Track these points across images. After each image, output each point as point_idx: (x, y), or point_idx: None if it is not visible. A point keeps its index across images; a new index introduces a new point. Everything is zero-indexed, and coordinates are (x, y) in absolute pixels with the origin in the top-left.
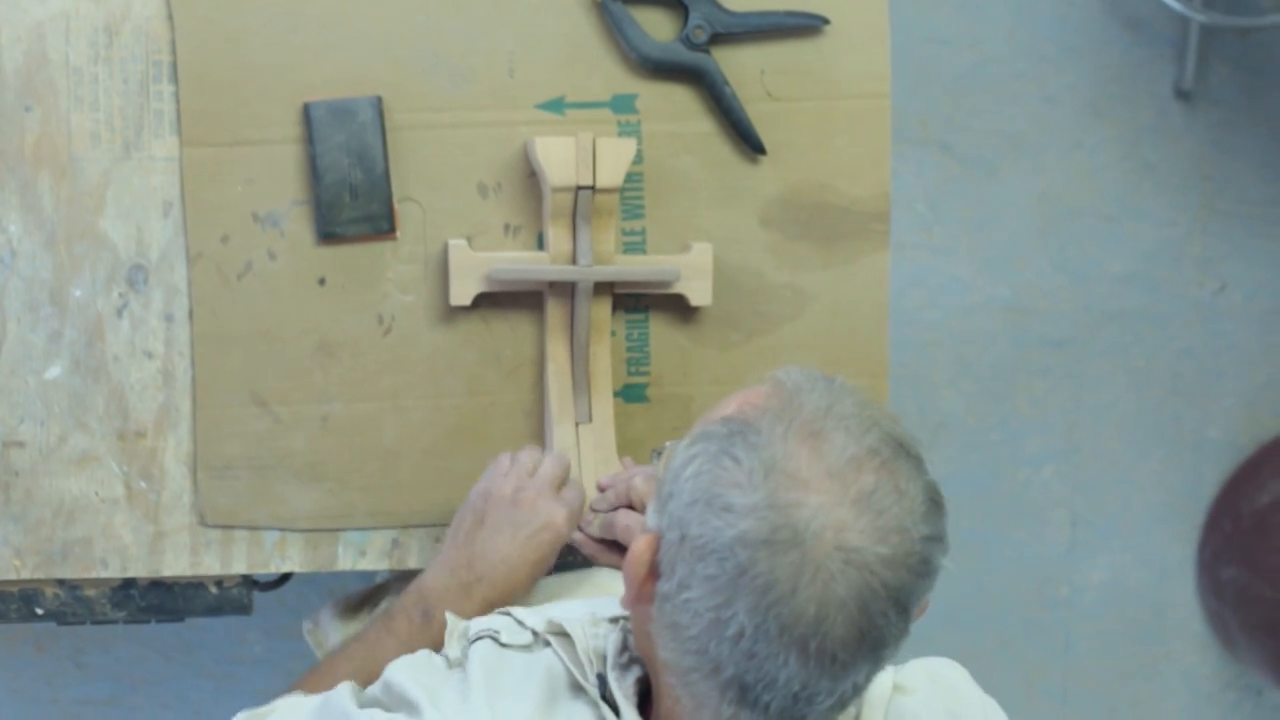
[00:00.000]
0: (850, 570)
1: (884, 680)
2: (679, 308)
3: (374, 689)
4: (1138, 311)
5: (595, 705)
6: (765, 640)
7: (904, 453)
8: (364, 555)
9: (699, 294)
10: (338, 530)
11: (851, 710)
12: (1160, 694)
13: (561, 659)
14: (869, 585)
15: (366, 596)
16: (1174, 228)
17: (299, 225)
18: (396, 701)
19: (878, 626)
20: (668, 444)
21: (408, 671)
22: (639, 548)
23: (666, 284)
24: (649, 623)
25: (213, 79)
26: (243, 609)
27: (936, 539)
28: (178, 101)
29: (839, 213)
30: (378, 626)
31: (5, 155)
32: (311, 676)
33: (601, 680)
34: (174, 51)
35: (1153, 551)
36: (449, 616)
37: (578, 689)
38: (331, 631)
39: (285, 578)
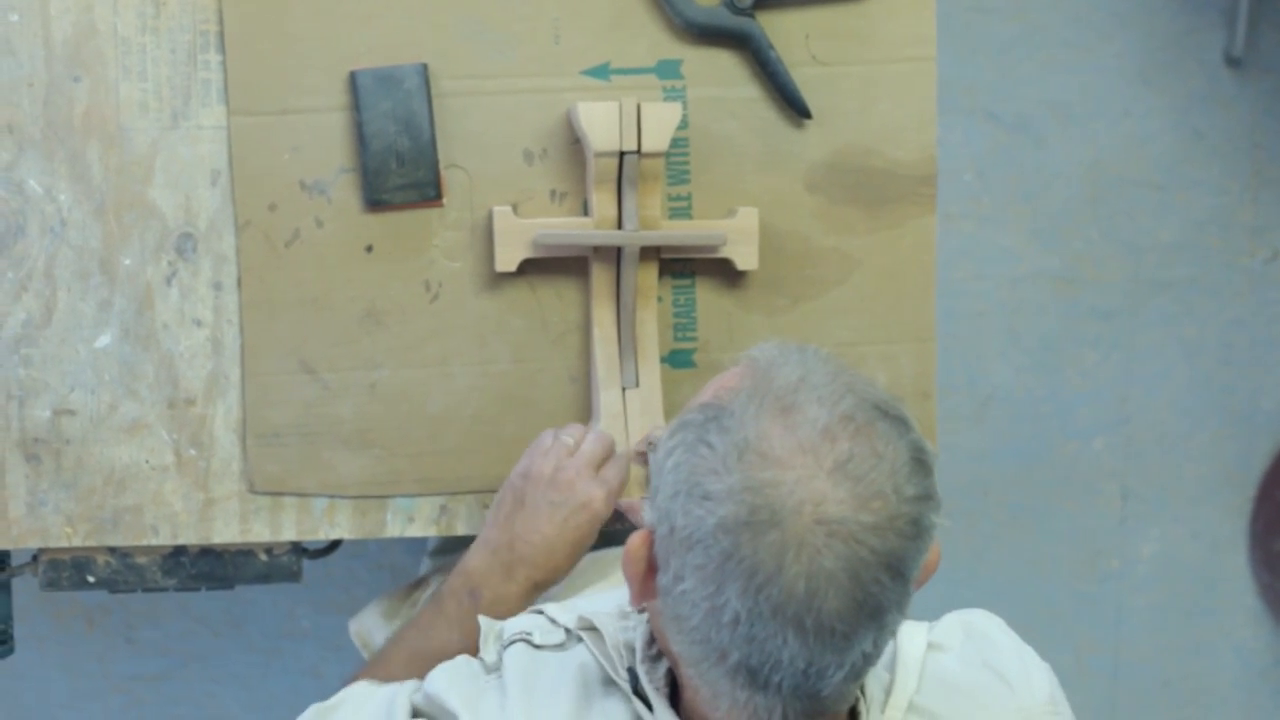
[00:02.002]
0: (835, 542)
1: (918, 639)
2: (725, 273)
3: (418, 697)
4: (1188, 281)
5: (628, 700)
6: (761, 622)
7: (881, 415)
8: (412, 521)
9: (745, 258)
10: (386, 497)
11: (885, 676)
12: (1212, 668)
13: (594, 655)
14: (856, 555)
15: (407, 593)
16: (1224, 196)
17: (346, 193)
18: (438, 711)
19: (873, 595)
20: (657, 435)
21: (446, 681)
22: (634, 545)
23: (713, 248)
24: (658, 617)
25: (259, 48)
26: (292, 576)
27: (924, 498)
28: (225, 71)
29: (885, 177)
30: (429, 610)
31: (54, 126)
32: (372, 664)
33: (632, 674)
34: (221, 21)
35: (1205, 524)
36: (481, 620)
37: (610, 684)
38: (376, 631)
39: (334, 545)
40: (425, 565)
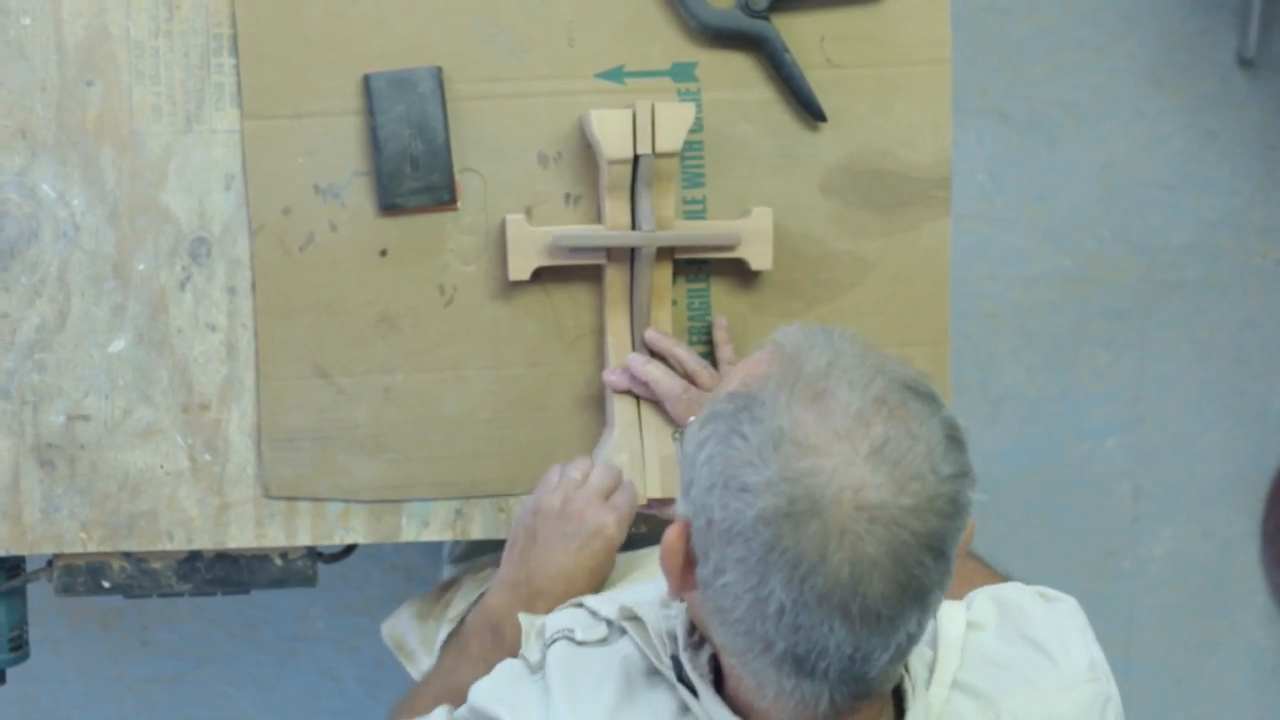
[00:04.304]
0: (877, 527)
1: (958, 619)
2: (740, 276)
3: (462, 711)
4: (1200, 282)
5: (673, 688)
6: (806, 612)
7: (913, 394)
8: (427, 526)
9: (760, 258)
10: (401, 501)
11: (928, 653)
12: (1224, 666)
13: (637, 645)
14: (898, 538)
15: (439, 594)
16: (1237, 197)
17: (360, 197)
18: None
19: (916, 577)
20: (690, 423)
21: (488, 691)
22: (670, 538)
23: (728, 247)
24: (698, 609)
25: (273, 51)
26: (307, 580)
27: (961, 475)
28: (238, 74)
29: (900, 180)
30: (452, 652)
31: (68, 130)
32: (402, 708)
33: (676, 662)
34: (234, 24)
35: (1216, 523)
36: (522, 617)
37: (655, 674)
38: (409, 633)
39: (349, 549)
40: (446, 572)
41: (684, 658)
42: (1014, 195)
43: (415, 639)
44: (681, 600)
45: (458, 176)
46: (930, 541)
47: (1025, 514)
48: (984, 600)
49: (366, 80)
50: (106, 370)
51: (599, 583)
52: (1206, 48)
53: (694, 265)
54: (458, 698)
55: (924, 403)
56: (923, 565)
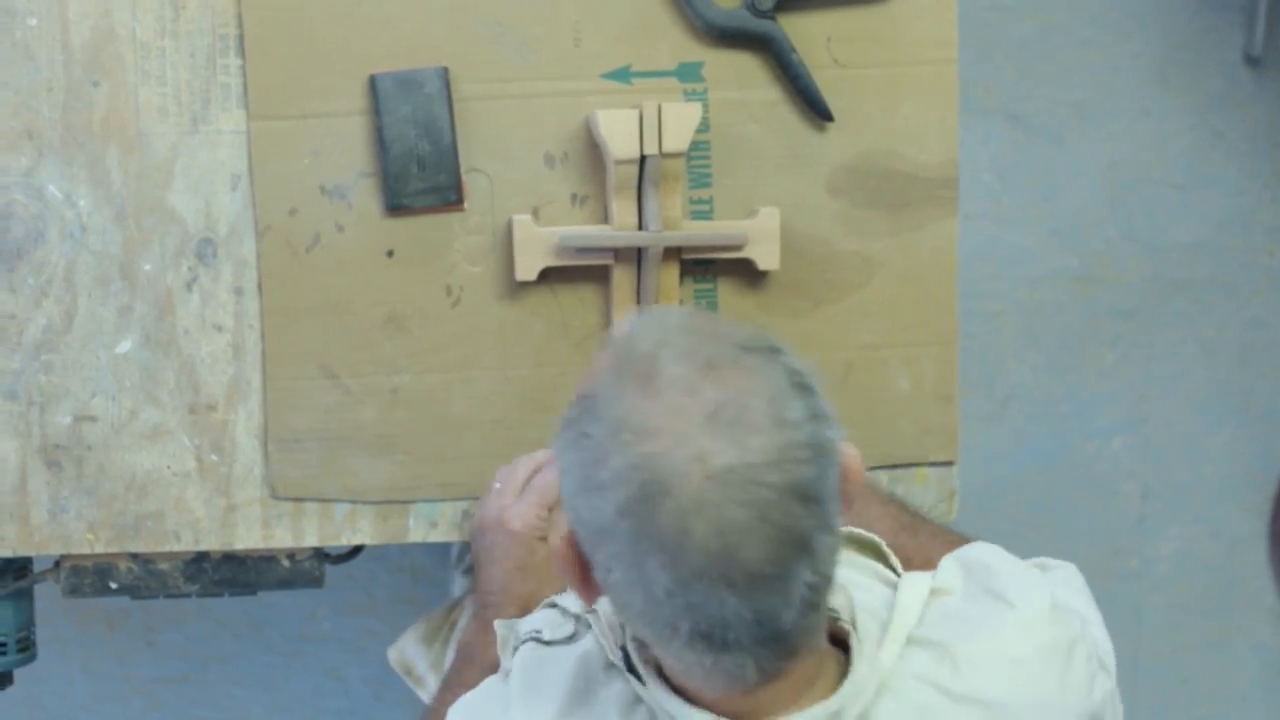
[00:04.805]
0: (732, 491)
1: (920, 585)
2: (747, 276)
3: None
4: (1207, 281)
5: (627, 679)
6: (691, 590)
7: (745, 351)
8: (435, 527)
9: (767, 258)
10: (408, 502)
11: (884, 615)
12: (1231, 666)
13: (597, 638)
14: (758, 496)
15: (445, 616)
16: (1244, 196)
17: (366, 197)
18: None
19: (789, 529)
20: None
21: (457, 707)
22: (560, 550)
23: (735, 248)
24: (611, 608)
25: (279, 52)
26: (315, 581)
27: (811, 418)
28: (244, 75)
29: (907, 180)
30: (455, 677)
31: (74, 131)
32: None
33: (625, 652)
34: (240, 25)
35: (1224, 523)
36: (497, 624)
37: (613, 667)
38: (418, 659)
39: (357, 550)
40: (457, 583)
41: (631, 647)
42: (1020, 195)
43: (424, 664)
44: (593, 606)
45: (464, 177)
46: (795, 490)
47: (1032, 514)
48: (949, 565)
49: (373, 81)
50: (113, 371)
51: (541, 577)
52: (1213, 46)
53: (701, 265)
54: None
55: (758, 356)
56: (792, 515)
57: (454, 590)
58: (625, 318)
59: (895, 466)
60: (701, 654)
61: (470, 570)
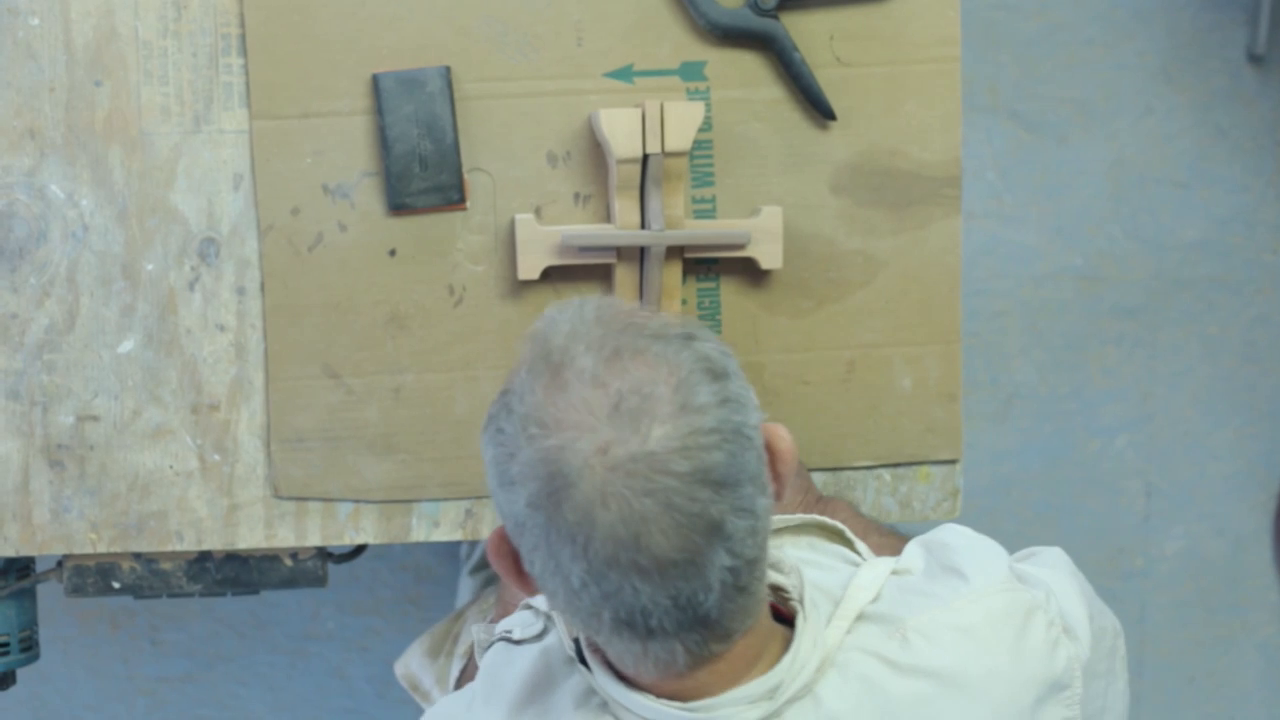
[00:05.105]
0: (636, 480)
1: (880, 567)
2: (750, 275)
3: None
4: (1211, 279)
5: (580, 672)
6: (604, 579)
7: (654, 339)
8: (438, 526)
9: (770, 257)
10: (411, 501)
11: (838, 594)
12: (1236, 664)
13: (557, 632)
14: (661, 485)
15: (449, 628)
16: (1247, 194)
17: (369, 197)
18: None
19: (696, 515)
20: None
21: (433, 714)
22: (492, 544)
23: (737, 247)
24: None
25: (281, 51)
26: (318, 581)
27: (722, 402)
28: (247, 74)
29: (910, 178)
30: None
31: (76, 130)
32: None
33: (577, 644)
34: (242, 24)
35: (1228, 521)
36: (474, 629)
37: (572, 659)
38: (423, 672)
39: (360, 549)
40: (464, 584)
41: (582, 639)
42: (1023, 193)
43: (430, 678)
44: (530, 600)
45: (467, 176)
46: (701, 476)
47: (1036, 512)
48: (913, 547)
49: (375, 80)
50: (116, 371)
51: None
52: (1217, 44)
53: (704, 264)
54: None
55: (669, 344)
56: (700, 501)
57: (460, 591)
58: (545, 312)
59: (899, 465)
60: (629, 641)
61: (478, 569)
